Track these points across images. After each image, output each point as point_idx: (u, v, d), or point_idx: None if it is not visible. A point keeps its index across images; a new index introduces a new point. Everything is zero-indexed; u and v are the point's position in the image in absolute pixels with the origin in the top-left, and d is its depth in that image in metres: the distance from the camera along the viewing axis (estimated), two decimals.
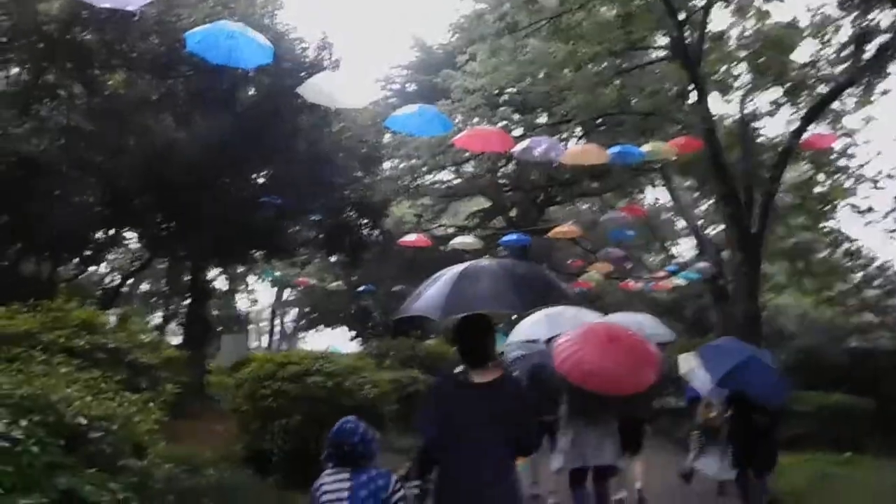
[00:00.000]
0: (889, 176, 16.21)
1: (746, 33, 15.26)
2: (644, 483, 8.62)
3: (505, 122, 16.85)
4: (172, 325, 27.40)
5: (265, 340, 45.31)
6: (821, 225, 18.51)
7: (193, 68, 13.81)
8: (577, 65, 14.30)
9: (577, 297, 16.82)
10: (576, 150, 13.18)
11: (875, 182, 16.29)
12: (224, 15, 11.95)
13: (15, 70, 14.50)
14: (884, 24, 13.34)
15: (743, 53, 15.32)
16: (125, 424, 4.64)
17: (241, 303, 39.15)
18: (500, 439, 3.68)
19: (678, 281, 19.71)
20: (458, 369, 3.91)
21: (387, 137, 18.89)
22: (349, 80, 9.21)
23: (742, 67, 15.65)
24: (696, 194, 21.63)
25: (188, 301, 19.77)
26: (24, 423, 3.55)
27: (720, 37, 15.40)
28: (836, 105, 15.24)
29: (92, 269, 21.84)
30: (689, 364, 9.01)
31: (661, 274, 21.83)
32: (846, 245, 19.92)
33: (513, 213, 27.32)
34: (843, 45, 14.45)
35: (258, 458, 8.11)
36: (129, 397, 5.06)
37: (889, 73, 14.20)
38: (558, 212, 28.89)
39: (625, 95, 15.59)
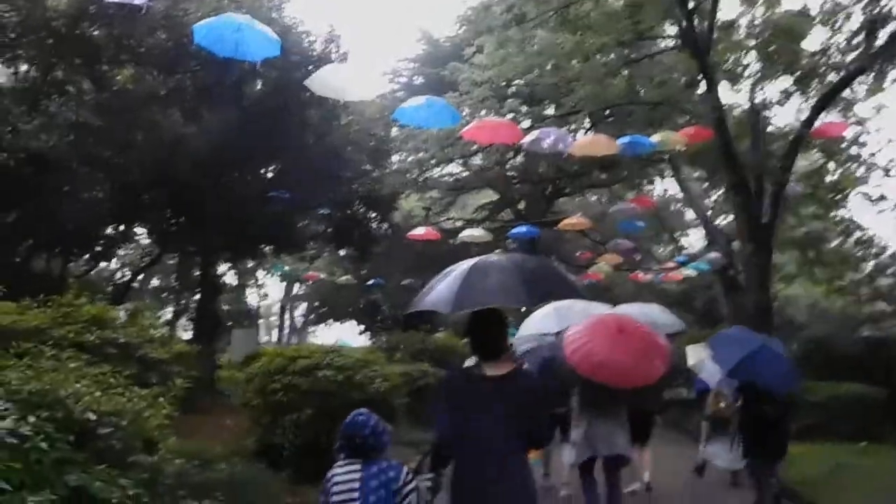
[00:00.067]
0: None
1: (756, 22, 15.13)
2: (652, 474, 8.65)
3: (513, 114, 16.78)
4: (183, 321, 27.49)
5: (275, 335, 45.47)
6: (832, 214, 18.38)
7: (201, 63, 13.81)
8: (584, 56, 14.22)
9: (587, 290, 16.78)
10: (585, 140, 13.11)
11: (887, 170, 16.15)
12: (231, 8, 11.93)
13: (24, 67, 14.52)
14: None
15: (753, 42, 15.19)
16: (135, 420, 4.63)
17: (251, 297, 39.32)
18: (512, 433, 3.67)
19: (688, 272, 19.64)
20: (470, 363, 3.89)
21: (395, 130, 18.88)
22: (357, 73, 9.15)
23: (752, 56, 15.53)
24: (706, 185, 21.53)
25: (198, 296, 19.82)
26: (32, 419, 3.53)
27: (730, 25, 15.27)
28: (847, 93, 15.10)
29: (102, 265, 21.92)
30: (697, 355, 8.98)
31: (671, 265, 21.76)
32: (858, 234, 19.79)
33: (521, 205, 27.26)
34: (855, 33, 14.31)
35: (269, 452, 8.12)
36: (139, 392, 5.05)
37: None
38: (567, 204, 28.82)
39: (633, 86, 15.51)
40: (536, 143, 10.74)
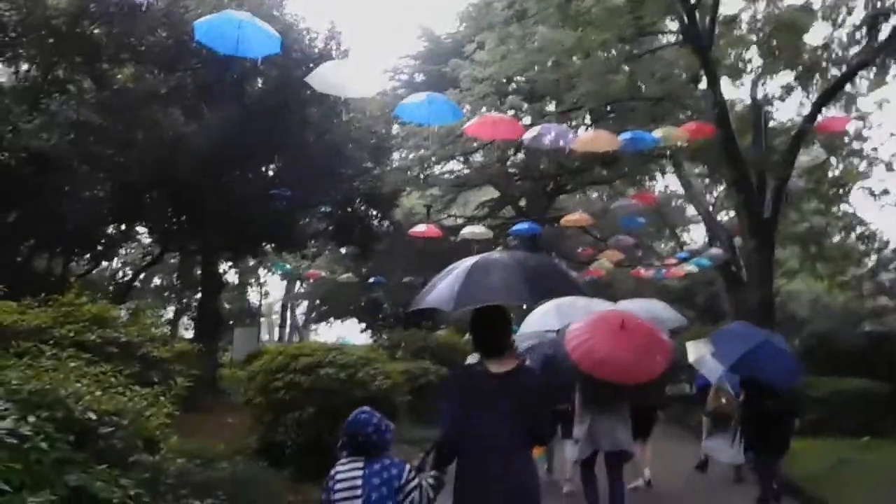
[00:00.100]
0: None
1: (758, 16, 15.10)
2: (654, 470, 8.67)
3: (514, 111, 16.77)
4: (184, 319, 27.52)
5: (276, 333, 45.50)
6: (834, 209, 18.36)
7: (202, 61, 13.80)
8: (585, 52, 14.19)
9: (588, 287, 16.77)
10: (587, 136, 13.09)
11: (889, 165, 16.13)
12: (232, 6, 11.92)
13: (24, 66, 14.52)
14: None
15: (754, 37, 15.15)
16: (136, 419, 4.60)
17: (253, 296, 39.33)
18: (515, 430, 3.67)
19: (690, 268, 19.62)
20: (472, 360, 3.89)
21: (395, 128, 18.86)
22: (358, 71, 9.14)
23: (754, 51, 15.49)
24: (707, 181, 21.49)
25: (200, 295, 19.83)
26: (32, 418, 3.51)
27: (731, 20, 15.23)
28: (849, 88, 15.07)
29: (104, 264, 21.93)
30: (698, 351, 8.98)
31: (672, 261, 21.74)
32: (860, 229, 19.77)
33: (522, 202, 27.23)
34: (857, 27, 14.28)
35: (271, 450, 8.10)
36: (141, 392, 5.03)
37: None
38: (568, 200, 28.78)
39: (635, 82, 15.47)
40: (538, 139, 10.74)
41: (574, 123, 17.98)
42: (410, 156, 20.26)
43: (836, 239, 20.51)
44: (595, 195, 30.01)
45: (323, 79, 8.35)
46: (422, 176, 21.11)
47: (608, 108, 16.89)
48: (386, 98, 18.26)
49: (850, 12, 14.44)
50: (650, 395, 7.54)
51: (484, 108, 15.85)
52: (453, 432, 3.74)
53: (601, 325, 6.19)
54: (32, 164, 11.80)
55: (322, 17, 18.28)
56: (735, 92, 17.87)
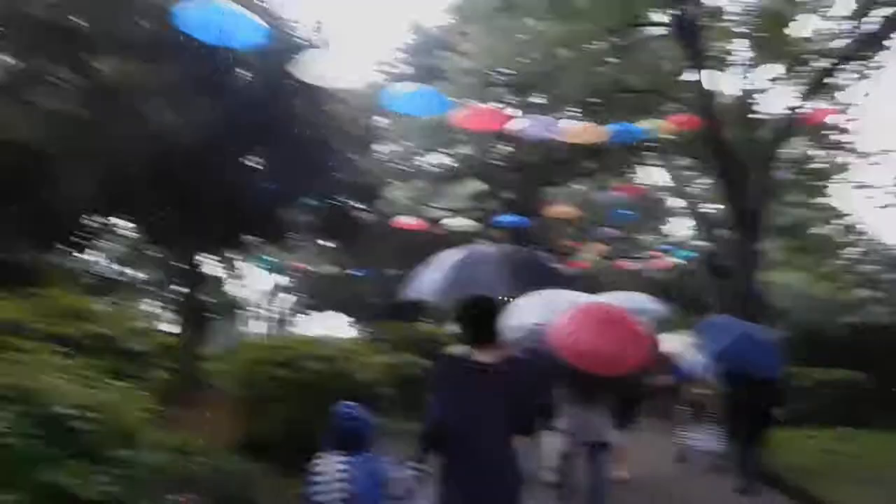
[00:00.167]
0: (886, 151, 16.15)
1: (746, 8, 15.07)
2: (634, 461, 8.73)
3: (500, 104, 16.72)
4: (167, 312, 27.31)
5: (261, 326, 45.32)
6: (817, 200, 18.45)
7: (184, 51, 13.62)
8: (572, 44, 14.13)
9: (574, 280, 16.79)
10: (576, 128, 13.08)
11: (868, 156, 16.22)
12: None
13: (2, 56, 14.29)
14: None
15: (741, 29, 15.13)
16: (114, 413, 4.52)
17: (236, 289, 39.08)
18: (501, 420, 3.67)
19: (675, 260, 19.69)
20: (459, 350, 3.83)
21: (382, 120, 18.76)
22: (345, 63, 9.08)
23: (740, 43, 15.47)
24: (693, 172, 21.53)
25: (183, 288, 19.67)
26: (2, 413, 3.44)
27: (719, 12, 15.21)
28: (835, 80, 15.09)
29: (86, 256, 21.70)
30: (677, 343, 9.03)
31: (657, 253, 21.82)
32: (842, 221, 19.89)
33: (508, 194, 27.19)
34: (844, 19, 14.29)
35: (255, 443, 8.04)
36: (118, 385, 4.94)
37: (889, 48, 14.06)
38: (554, 193, 28.75)
39: (621, 73, 15.43)
40: (524, 130, 10.71)
41: (560, 116, 17.95)
42: (396, 148, 20.20)
43: (819, 230, 20.66)
44: (581, 188, 30.01)
45: (309, 70, 8.29)
46: (407, 168, 21.05)
47: (595, 99, 16.85)
48: (373, 90, 18.14)
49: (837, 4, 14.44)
50: (633, 386, 7.59)
51: (470, 100, 15.80)
52: (440, 422, 3.72)
53: (585, 318, 6.19)
54: (12, 156, 11.63)
55: (309, 8, 18.14)
56: (722, 83, 17.88)
